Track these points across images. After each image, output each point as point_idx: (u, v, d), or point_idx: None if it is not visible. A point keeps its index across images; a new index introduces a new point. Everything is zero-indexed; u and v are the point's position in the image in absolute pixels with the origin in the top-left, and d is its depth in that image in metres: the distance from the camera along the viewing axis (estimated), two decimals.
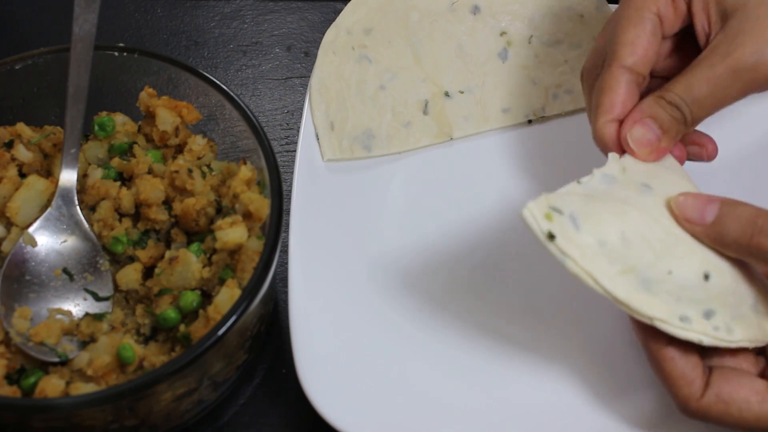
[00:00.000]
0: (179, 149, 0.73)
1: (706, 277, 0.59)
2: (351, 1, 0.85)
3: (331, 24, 0.86)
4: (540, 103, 0.86)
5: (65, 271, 0.66)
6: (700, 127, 0.70)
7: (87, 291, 0.66)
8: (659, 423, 0.67)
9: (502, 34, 0.87)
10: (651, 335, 0.60)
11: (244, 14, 0.99)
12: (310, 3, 1.00)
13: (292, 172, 0.77)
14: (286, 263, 0.73)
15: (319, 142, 0.79)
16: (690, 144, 0.70)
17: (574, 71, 0.87)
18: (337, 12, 0.90)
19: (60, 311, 0.64)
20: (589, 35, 0.88)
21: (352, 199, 0.78)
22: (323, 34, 0.84)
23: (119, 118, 0.73)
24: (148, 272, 0.68)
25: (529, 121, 0.85)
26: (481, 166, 0.82)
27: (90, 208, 0.69)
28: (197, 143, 0.72)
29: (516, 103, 0.85)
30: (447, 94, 0.83)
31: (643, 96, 0.66)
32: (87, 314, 0.65)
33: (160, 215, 0.68)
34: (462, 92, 0.84)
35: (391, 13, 0.85)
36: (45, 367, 0.63)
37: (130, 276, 0.67)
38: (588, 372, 0.71)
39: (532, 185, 0.82)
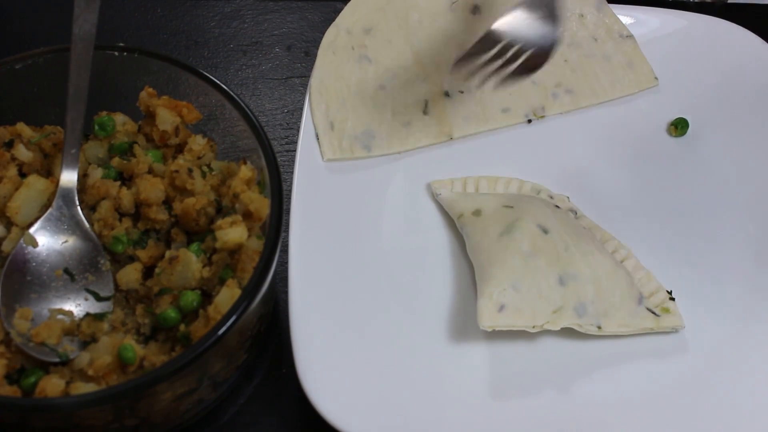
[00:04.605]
0: (179, 149, 0.73)
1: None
2: (351, 1, 0.85)
3: (331, 24, 0.86)
4: (540, 103, 0.86)
5: (66, 271, 0.66)
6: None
7: (88, 291, 0.66)
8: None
9: None
10: None
11: (244, 14, 0.99)
12: (310, 3, 1.00)
13: (292, 172, 0.77)
14: (286, 263, 0.73)
15: (319, 142, 0.79)
16: None
17: (574, 71, 0.87)
18: (337, 12, 0.90)
19: (61, 311, 0.64)
20: (589, 35, 0.88)
21: (352, 199, 0.78)
22: (323, 34, 0.85)
23: (119, 118, 0.73)
24: (149, 272, 0.68)
25: (529, 121, 0.85)
26: (480, 165, 0.82)
27: (90, 208, 0.69)
28: (197, 143, 0.72)
29: (516, 102, 0.85)
30: (447, 94, 0.83)
31: None
32: (88, 314, 0.65)
33: (160, 215, 0.68)
34: (462, 92, 0.84)
35: (390, 13, 0.85)
36: (45, 367, 0.63)
37: (131, 276, 0.67)
38: (587, 374, 0.72)
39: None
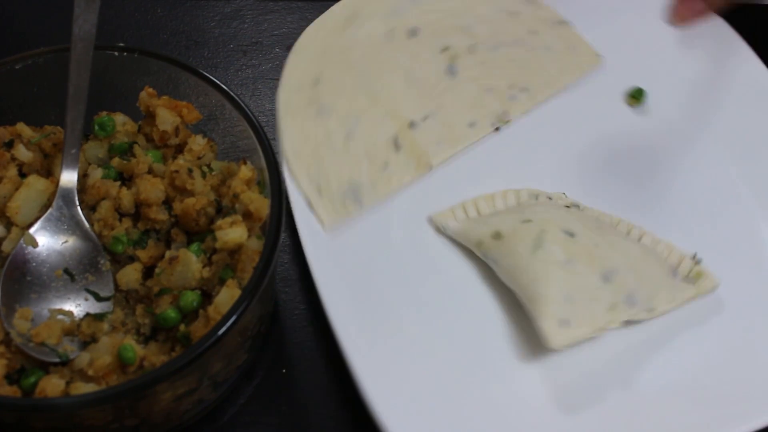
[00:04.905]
0: (179, 149, 0.73)
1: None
2: (288, 59, 0.83)
3: None
4: (501, 108, 0.85)
5: (66, 271, 0.66)
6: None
7: (88, 291, 0.66)
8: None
9: (445, 50, 0.86)
10: None
11: (244, 14, 0.99)
12: (310, 3, 1.00)
13: None
14: (286, 263, 0.73)
15: (313, 211, 0.76)
16: None
17: (523, 69, 0.87)
18: None
19: (61, 311, 0.64)
20: (527, 30, 0.89)
21: (363, 254, 0.76)
22: None
23: (119, 118, 0.73)
24: (149, 272, 0.68)
25: (497, 129, 0.85)
26: (469, 186, 0.81)
27: (90, 208, 0.69)
28: (197, 143, 0.72)
29: (479, 114, 0.85)
30: (412, 125, 0.82)
31: None
32: (88, 314, 0.65)
33: (160, 215, 0.68)
34: (425, 118, 0.83)
35: (332, 58, 0.83)
36: (45, 367, 0.63)
37: (131, 276, 0.67)
38: (645, 361, 0.73)
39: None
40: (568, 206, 0.78)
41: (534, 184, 0.81)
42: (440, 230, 0.78)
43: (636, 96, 0.87)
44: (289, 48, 0.95)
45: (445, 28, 0.87)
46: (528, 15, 0.90)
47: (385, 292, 0.74)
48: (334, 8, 0.85)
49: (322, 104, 0.80)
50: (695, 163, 0.83)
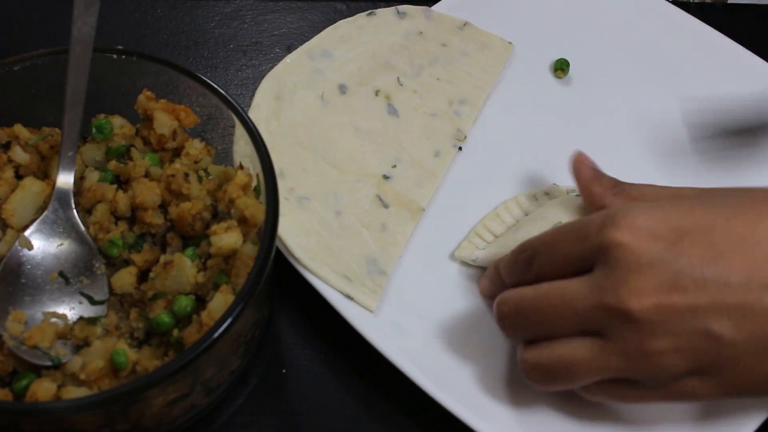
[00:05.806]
0: (176, 153, 0.73)
1: None
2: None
3: (331, 24, 0.88)
4: (452, 128, 0.86)
5: (61, 274, 0.66)
6: None
7: (82, 294, 0.66)
8: None
9: (377, 93, 0.87)
10: None
11: (244, 14, 0.99)
12: (310, 3, 1.00)
13: None
14: (282, 271, 0.72)
15: (354, 301, 0.74)
16: None
17: (452, 82, 0.89)
18: (337, 12, 0.90)
19: (55, 315, 0.64)
20: (438, 44, 0.91)
21: (407, 310, 0.76)
22: None
23: (117, 121, 0.73)
24: (143, 276, 0.68)
25: (460, 149, 0.85)
26: (468, 213, 0.81)
27: (86, 211, 0.69)
28: (194, 147, 0.72)
29: (437, 141, 0.85)
30: (386, 177, 0.82)
31: None
32: (81, 318, 0.65)
33: (155, 219, 0.68)
34: (394, 166, 0.83)
35: (281, 144, 0.82)
36: (37, 370, 0.63)
37: (125, 279, 0.66)
38: None
39: (510, 194, 0.83)
40: (568, 194, 0.79)
41: (522, 186, 0.83)
42: (467, 264, 0.78)
43: (562, 68, 0.91)
44: (289, 48, 0.96)
45: (368, 72, 0.88)
46: (432, 30, 0.92)
47: (455, 341, 0.74)
48: (257, 101, 0.84)
49: (298, 195, 0.79)
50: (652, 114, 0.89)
